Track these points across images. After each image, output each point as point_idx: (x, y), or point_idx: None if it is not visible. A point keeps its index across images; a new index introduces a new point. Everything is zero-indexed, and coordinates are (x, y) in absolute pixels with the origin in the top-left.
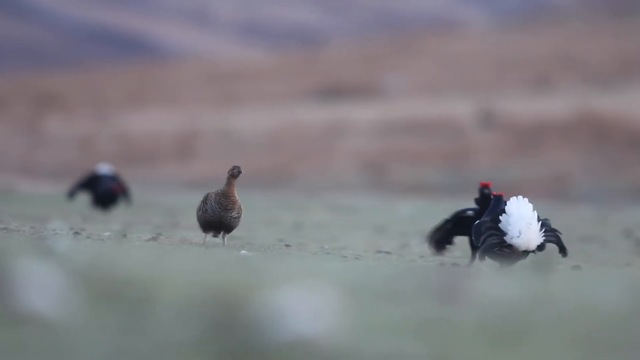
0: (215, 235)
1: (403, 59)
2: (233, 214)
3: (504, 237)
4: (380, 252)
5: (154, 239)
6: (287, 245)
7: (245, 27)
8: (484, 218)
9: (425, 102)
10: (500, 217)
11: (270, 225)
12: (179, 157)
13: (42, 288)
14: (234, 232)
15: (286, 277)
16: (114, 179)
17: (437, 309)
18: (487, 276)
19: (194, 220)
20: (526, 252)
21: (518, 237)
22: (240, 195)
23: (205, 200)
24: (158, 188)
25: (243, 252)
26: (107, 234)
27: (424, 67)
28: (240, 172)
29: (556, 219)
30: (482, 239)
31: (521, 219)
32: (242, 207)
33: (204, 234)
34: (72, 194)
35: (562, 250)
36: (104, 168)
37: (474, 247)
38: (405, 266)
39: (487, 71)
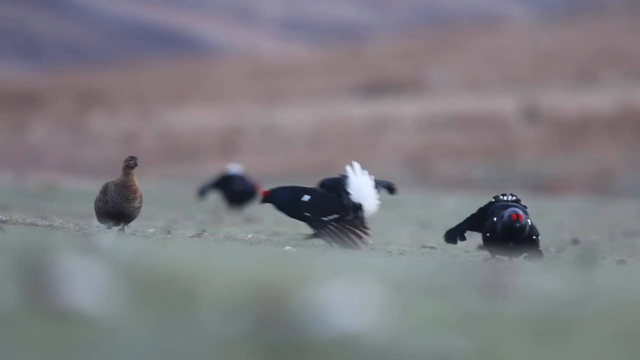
0: (113, 225)
1: (446, 54)
2: (135, 204)
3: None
4: (425, 247)
5: (198, 235)
6: None
7: (288, 22)
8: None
9: (469, 97)
10: (343, 193)
11: None
12: (222, 153)
13: (86, 285)
14: (278, 228)
15: (331, 273)
16: (243, 178)
17: (482, 304)
18: (532, 271)
19: (238, 217)
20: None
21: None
22: None
23: (104, 191)
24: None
25: (287, 247)
26: (151, 230)
27: (467, 62)
28: (136, 164)
29: (600, 213)
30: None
31: (364, 186)
32: (142, 197)
33: (101, 224)
34: (203, 193)
35: (391, 190)
36: (235, 168)
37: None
38: (450, 261)
39: (531, 66)
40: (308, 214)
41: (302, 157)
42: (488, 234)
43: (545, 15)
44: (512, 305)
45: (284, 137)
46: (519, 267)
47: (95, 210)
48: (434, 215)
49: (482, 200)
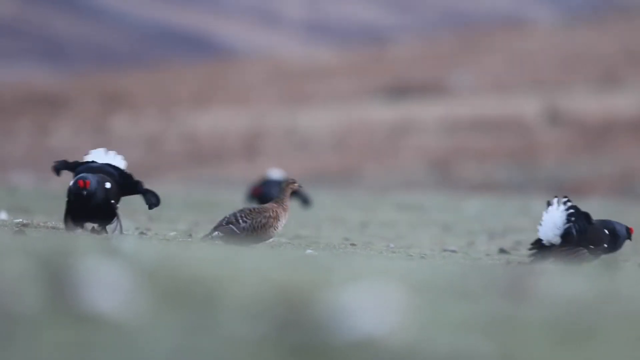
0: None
1: (470, 57)
2: None
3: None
4: (446, 250)
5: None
6: (353, 244)
7: (312, 25)
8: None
9: (492, 100)
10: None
11: (336, 223)
12: (246, 155)
13: (109, 288)
14: (301, 231)
15: (352, 276)
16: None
17: (504, 307)
18: (554, 274)
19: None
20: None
21: None
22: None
23: (277, 217)
24: (225, 187)
25: (309, 251)
26: (173, 233)
27: (490, 64)
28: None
29: (623, 216)
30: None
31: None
32: None
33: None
34: (252, 198)
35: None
36: (276, 173)
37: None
38: (473, 264)
39: (554, 68)
40: (113, 201)
41: (325, 159)
42: (606, 245)
43: (569, 17)
44: (535, 308)
45: (307, 139)
46: (541, 270)
47: (259, 237)
48: (456, 219)
49: (505, 203)
